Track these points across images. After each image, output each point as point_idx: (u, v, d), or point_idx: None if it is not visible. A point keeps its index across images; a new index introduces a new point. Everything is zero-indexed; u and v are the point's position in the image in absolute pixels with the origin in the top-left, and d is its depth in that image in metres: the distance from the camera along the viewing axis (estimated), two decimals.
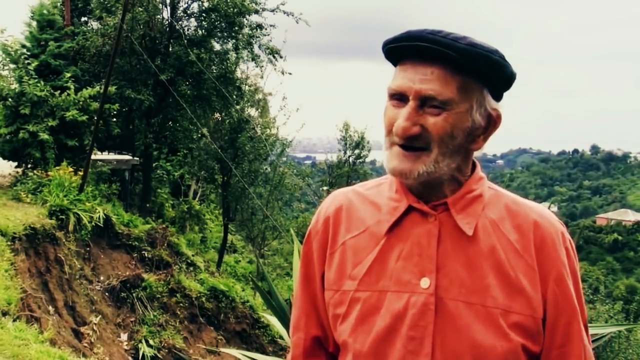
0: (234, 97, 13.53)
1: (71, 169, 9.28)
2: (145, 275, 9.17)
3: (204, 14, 12.74)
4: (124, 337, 8.32)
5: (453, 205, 1.02)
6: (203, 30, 12.86)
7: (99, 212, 8.78)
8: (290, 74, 13.51)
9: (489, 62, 0.97)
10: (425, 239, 1.00)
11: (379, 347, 0.98)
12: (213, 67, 12.87)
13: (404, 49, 0.99)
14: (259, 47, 13.01)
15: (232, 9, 12.20)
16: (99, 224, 8.69)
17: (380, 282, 1.01)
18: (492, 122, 1.03)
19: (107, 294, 8.55)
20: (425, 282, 0.98)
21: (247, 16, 12.70)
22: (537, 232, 1.01)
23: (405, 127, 0.97)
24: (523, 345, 0.96)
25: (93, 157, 10.21)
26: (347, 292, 1.03)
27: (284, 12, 12.85)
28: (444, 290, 0.97)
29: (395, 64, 1.04)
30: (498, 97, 1.04)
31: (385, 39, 1.03)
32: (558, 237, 1.02)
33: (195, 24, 13.09)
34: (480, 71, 0.98)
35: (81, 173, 9.18)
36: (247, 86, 15.02)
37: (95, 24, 13.73)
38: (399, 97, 0.99)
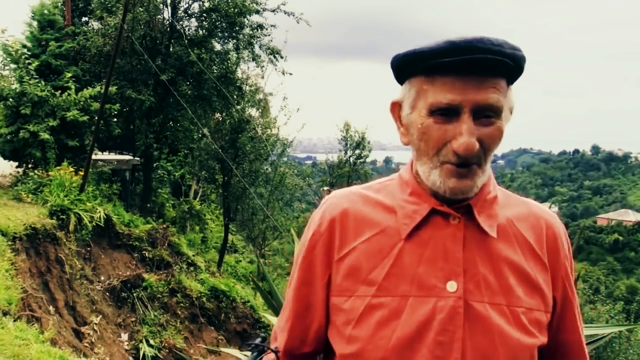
0: (235, 97, 13.53)
1: (72, 169, 9.28)
2: (145, 275, 9.18)
3: (204, 14, 12.74)
4: (124, 337, 8.33)
5: (476, 207, 0.98)
6: (204, 31, 12.87)
7: (99, 212, 8.79)
8: (290, 74, 13.53)
9: (524, 64, 0.95)
10: (450, 242, 0.97)
11: (402, 355, 0.93)
12: (214, 67, 12.88)
13: (453, 63, 0.89)
14: (260, 47, 13.03)
15: (232, 9, 12.21)
16: (99, 224, 8.69)
17: (400, 287, 0.96)
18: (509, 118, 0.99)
19: (107, 293, 8.55)
20: (452, 286, 0.94)
21: (248, 16, 12.71)
22: (549, 231, 1.03)
23: (472, 144, 0.89)
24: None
25: (94, 157, 10.21)
26: (363, 297, 0.98)
27: (285, 12, 12.86)
28: (471, 293, 0.95)
29: (412, 76, 0.96)
30: None
31: (415, 51, 0.92)
32: (564, 235, 1.05)
33: (196, 24, 13.11)
34: (517, 74, 0.95)
35: (82, 173, 9.18)
36: (247, 86, 15.01)
37: (95, 24, 13.73)
38: (445, 112, 0.91)
